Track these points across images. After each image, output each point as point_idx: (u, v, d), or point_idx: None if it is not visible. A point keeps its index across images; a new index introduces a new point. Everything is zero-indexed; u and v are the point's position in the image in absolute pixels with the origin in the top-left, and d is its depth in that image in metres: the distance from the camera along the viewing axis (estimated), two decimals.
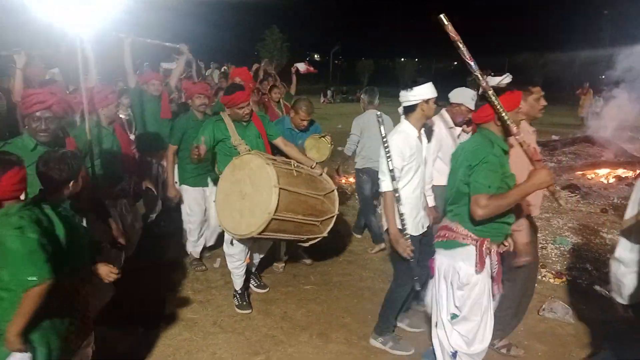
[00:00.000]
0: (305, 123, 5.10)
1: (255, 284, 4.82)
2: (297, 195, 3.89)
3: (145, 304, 4.43)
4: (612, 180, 9.40)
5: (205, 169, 4.92)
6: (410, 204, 3.57)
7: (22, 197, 2.44)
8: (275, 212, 3.71)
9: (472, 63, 2.79)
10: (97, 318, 3.34)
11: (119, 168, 4.32)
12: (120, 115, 5.62)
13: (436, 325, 3.24)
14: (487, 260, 2.95)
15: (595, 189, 8.77)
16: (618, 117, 10.76)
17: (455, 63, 60.09)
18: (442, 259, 3.13)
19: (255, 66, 8.93)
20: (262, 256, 4.84)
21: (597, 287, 5.00)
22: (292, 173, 3.99)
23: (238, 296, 4.50)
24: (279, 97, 6.99)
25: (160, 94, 5.64)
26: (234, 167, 4.05)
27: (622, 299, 2.98)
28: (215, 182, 4.99)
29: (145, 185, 4.91)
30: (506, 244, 3.09)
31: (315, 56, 77.55)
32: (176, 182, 5.17)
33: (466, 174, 2.87)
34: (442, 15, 2.68)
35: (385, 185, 3.51)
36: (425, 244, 3.71)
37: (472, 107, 4.33)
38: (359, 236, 6.41)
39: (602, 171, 9.93)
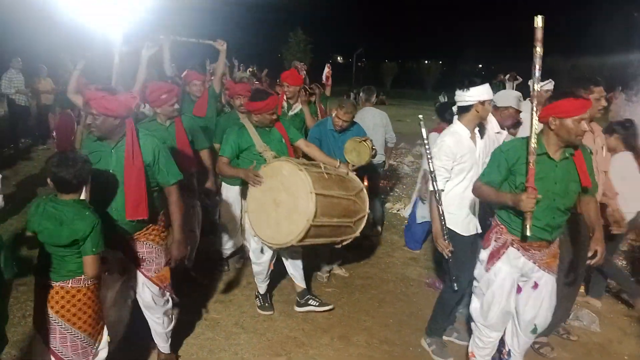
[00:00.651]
0: (341, 123, 5.03)
1: (317, 303, 4.45)
2: (332, 199, 3.82)
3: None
4: None
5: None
6: (459, 204, 3.61)
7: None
8: (314, 218, 3.63)
9: (538, 73, 2.80)
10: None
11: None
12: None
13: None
14: (507, 253, 3.12)
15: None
16: None
17: (480, 65, 59.66)
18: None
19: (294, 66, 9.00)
20: (300, 264, 4.53)
21: (625, 296, 4.90)
22: (324, 176, 3.90)
23: (260, 297, 4.51)
24: (313, 99, 7.03)
25: (200, 94, 5.42)
26: (264, 174, 3.95)
27: None
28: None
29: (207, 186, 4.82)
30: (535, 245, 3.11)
31: (339, 58, 77.52)
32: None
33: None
34: (540, 17, 2.68)
35: (430, 185, 3.57)
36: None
37: (520, 109, 4.30)
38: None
39: None
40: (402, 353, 3.94)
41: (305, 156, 4.42)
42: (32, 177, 8.32)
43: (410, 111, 25.64)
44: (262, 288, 4.50)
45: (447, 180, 3.58)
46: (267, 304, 4.49)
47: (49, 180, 2.67)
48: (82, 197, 2.78)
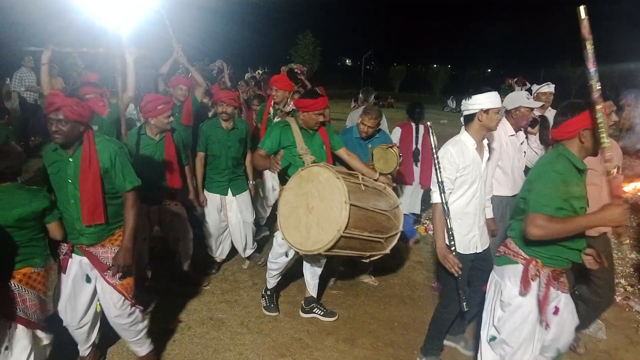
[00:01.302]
0: (367, 129, 4.95)
1: (322, 312, 4.47)
2: (366, 212, 3.68)
3: (175, 301, 4.52)
4: None
5: (226, 178, 4.98)
6: (461, 220, 3.43)
7: None
8: (345, 229, 3.50)
9: (593, 69, 2.49)
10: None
11: (158, 178, 4.29)
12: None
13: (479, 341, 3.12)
14: (535, 284, 2.76)
15: (631, 201, 8.55)
16: None
17: (489, 70, 59.42)
18: (493, 274, 3.02)
19: (285, 68, 8.96)
20: (318, 273, 4.50)
21: (632, 304, 4.87)
22: (360, 187, 3.79)
23: (267, 297, 4.52)
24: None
25: (185, 99, 5.51)
26: (300, 178, 3.84)
27: None
28: (236, 193, 5.05)
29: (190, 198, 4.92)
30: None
31: (347, 61, 77.63)
32: None
33: (525, 189, 2.76)
34: (583, 7, 2.38)
35: (435, 197, 3.38)
36: (480, 268, 3.56)
37: (531, 106, 4.25)
38: None
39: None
40: (407, 356, 3.93)
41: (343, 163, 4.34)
42: (42, 174, 8.36)
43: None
44: (270, 283, 4.50)
45: (450, 193, 3.39)
46: (272, 305, 4.50)
47: None
48: None
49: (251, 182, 5.37)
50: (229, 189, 5.06)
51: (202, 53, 8.89)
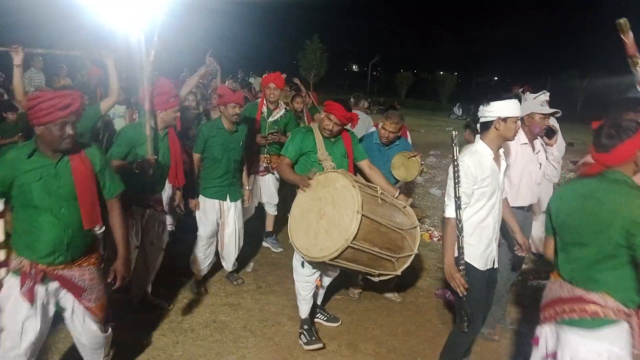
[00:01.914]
0: (387, 134, 4.73)
1: (325, 318, 4.43)
2: (378, 226, 3.52)
3: (178, 303, 4.54)
4: None
5: (227, 183, 4.76)
6: (479, 235, 3.26)
7: None
8: (353, 239, 3.35)
9: None
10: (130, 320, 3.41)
11: (161, 176, 4.14)
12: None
13: None
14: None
15: None
16: None
17: (496, 78, 59.41)
18: (579, 342, 2.39)
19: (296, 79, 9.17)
20: (330, 279, 4.35)
21: None
22: (377, 200, 3.63)
23: (305, 332, 4.05)
24: (301, 107, 7.08)
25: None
26: (317, 182, 3.74)
27: None
28: (234, 199, 4.81)
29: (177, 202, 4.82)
30: None
31: (354, 67, 77.84)
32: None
33: (624, 234, 2.27)
34: (623, 20, 2.29)
35: (449, 211, 3.18)
36: (493, 281, 3.48)
37: (544, 112, 3.99)
38: None
39: None
40: None
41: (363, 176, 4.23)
42: None
43: (424, 121, 25.63)
44: (303, 311, 4.11)
45: (466, 207, 3.18)
46: (313, 338, 4.02)
47: None
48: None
49: (247, 187, 5.19)
50: (228, 195, 4.80)
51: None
